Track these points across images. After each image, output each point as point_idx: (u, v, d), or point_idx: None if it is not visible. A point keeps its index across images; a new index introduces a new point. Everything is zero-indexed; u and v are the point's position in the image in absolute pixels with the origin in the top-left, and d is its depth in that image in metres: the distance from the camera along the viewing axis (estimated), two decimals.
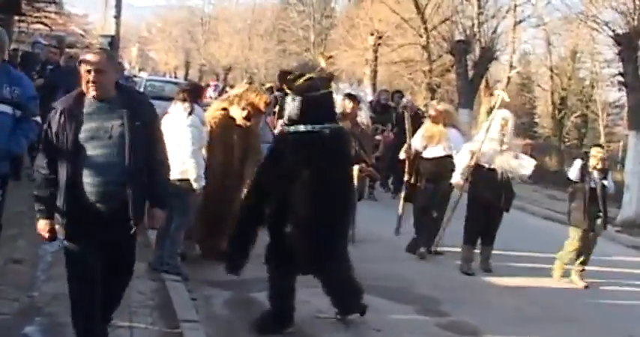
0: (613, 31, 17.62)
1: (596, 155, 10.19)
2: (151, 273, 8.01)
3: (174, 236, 8.16)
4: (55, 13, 26.32)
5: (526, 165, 10.16)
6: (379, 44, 31.89)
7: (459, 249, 10.29)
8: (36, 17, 24.69)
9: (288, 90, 6.90)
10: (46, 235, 5.32)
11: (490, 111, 13.57)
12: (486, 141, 10.04)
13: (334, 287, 6.98)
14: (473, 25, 27.15)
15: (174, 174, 7.94)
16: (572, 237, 10.20)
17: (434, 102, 12.11)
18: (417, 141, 10.74)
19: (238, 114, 8.95)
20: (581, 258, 10.13)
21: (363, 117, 10.91)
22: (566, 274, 10.26)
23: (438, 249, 10.68)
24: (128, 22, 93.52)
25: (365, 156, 10.45)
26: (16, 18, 22.85)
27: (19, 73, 7.15)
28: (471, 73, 26.24)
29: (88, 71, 5.10)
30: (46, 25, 26.35)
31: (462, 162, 10.19)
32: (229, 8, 63.98)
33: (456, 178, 10.25)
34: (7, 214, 9.62)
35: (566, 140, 33.35)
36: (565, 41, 31.85)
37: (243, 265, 6.99)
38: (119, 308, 5.96)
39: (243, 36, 56.48)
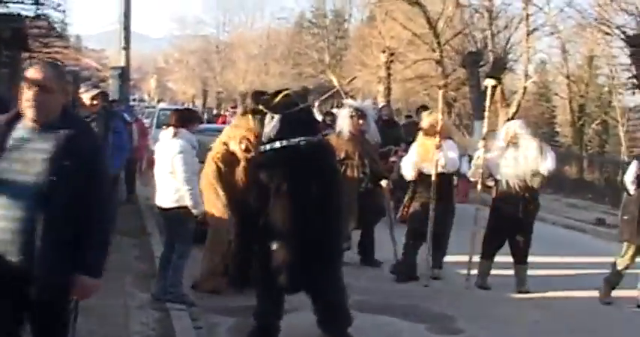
0: (624, 33, 17.36)
1: None
2: (153, 303, 7.83)
3: (176, 264, 7.99)
4: (65, 47, 26.35)
5: (547, 163, 9.45)
6: (391, 61, 31.85)
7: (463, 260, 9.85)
8: (46, 53, 24.73)
9: (266, 110, 6.81)
10: None
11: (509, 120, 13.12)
12: (496, 152, 9.70)
13: (320, 305, 6.76)
14: (485, 36, 27.00)
15: (171, 202, 7.86)
16: (625, 254, 9.28)
17: (425, 112, 11.16)
18: (410, 158, 10.09)
19: (237, 148, 8.70)
20: None
21: (372, 132, 10.71)
22: (590, 284, 9.87)
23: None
24: (146, 54, 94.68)
25: (381, 171, 10.45)
26: (26, 55, 22.95)
27: None
28: (483, 85, 25.99)
29: (29, 88, 4.18)
30: (57, 60, 26.39)
31: (474, 164, 9.90)
32: (244, 34, 64.22)
33: (473, 174, 9.95)
34: None
35: (589, 148, 32.98)
36: (580, 48, 31.63)
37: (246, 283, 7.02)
38: None
39: (258, 61, 56.71)
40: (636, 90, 19.66)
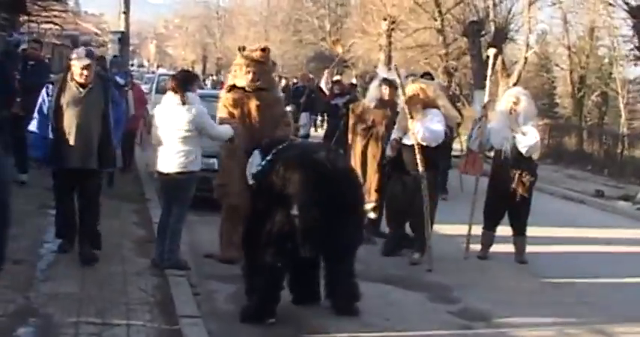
0: (627, 4, 17.21)
1: None
2: (152, 269, 7.80)
3: (174, 229, 7.94)
4: (64, 11, 26.14)
5: (527, 139, 9.33)
6: (392, 29, 31.66)
7: (464, 231, 9.77)
8: (45, 16, 24.53)
9: None
10: None
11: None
12: (496, 121, 9.64)
13: (335, 275, 6.81)
14: (487, 6, 26.83)
15: (176, 167, 7.79)
16: None
17: (409, 79, 10.12)
18: (396, 128, 9.57)
19: (244, 80, 8.54)
20: None
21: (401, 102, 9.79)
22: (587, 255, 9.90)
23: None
24: (145, 19, 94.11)
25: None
26: (25, 18, 22.77)
27: None
28: (485, 55, 25.85)
29: None
30: (56, 24, 26.23)
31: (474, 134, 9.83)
32: (244, 1, 63.89)
33: (473, 143, 9.91)
34: (12, 212, 9.58)
35: (588, 119, 32.84)
36: (582, 19, 31.35)
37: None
38: (116, 306, 5.77)
39: (259, 28, 56.42)
40: (638, 62, 19.52)
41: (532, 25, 27.93)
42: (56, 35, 30.04)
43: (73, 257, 7.87)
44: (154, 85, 24.24)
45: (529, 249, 9.74)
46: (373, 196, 9.91)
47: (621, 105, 28.88)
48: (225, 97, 8.75)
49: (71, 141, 7.75)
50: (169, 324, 6.32)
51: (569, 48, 31.43)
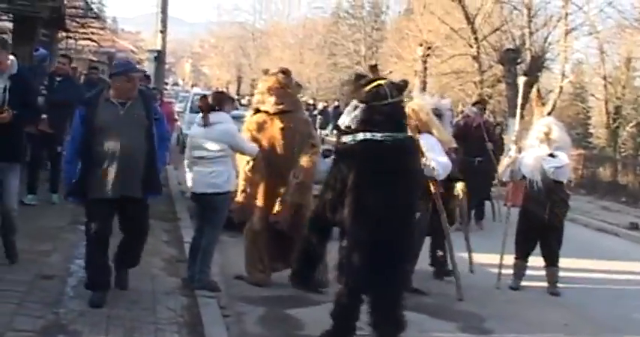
0: None
1: None
2: (182, 289, 7.76)
3: (206, 250, 7.89)
4: (101, 28, 26.43)
5: (555, 161, 9.17)
6: (428, 55, 31.71)
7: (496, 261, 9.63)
8: (82, 33, 24.81)
9: (353, 96, 6.48)
10: None
11: None
12: (527, 150, 9.53)
13: (378, 307, 6.42)
14: (523, 34, 26.76)
15: (208, 188, 7.75)
16: None
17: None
18: None
19: (269, 104, 8.47)
20: None
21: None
22: (615, 293, 9.73)
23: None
24: (182, 38, 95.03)
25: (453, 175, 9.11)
26: (63, 34, 23.03)
27: None
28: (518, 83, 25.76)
29: None
30: (94, 41, 26.51)
31: (505, 164, 9.69)
32: (280, 23, 64.33)
33: (503, 174, 9.75)
34: (44, 228, 9.63)
35: (623, 150, 32.57)
36: (619, 49, 31.17)
37: (310, 279, 6.91)
38: (144, 326, 5.73)
39: (294, 50, 56.78)
40: None
41: (568, 55, 27.85)
42: (93, 52, 30.33)
43: None
44: (189, 104, 24.34)
45: (563, 281, 9.58)
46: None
47: None
48: (248, 122, 8.70)
49: (111, 167, 6.81)
50: None
51: (604, 78, 31.21)
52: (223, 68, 72.36)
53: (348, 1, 52.73)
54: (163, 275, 8.28)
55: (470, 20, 28.12)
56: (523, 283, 9.60)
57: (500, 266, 9.45)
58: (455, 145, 9.47)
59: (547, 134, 9.34)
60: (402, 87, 6.54)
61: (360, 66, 43.26)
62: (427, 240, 9.21)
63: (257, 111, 8.67)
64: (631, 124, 32.09)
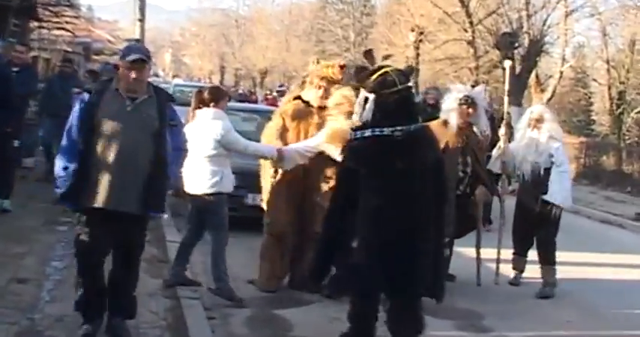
0: None
1: None
2: (165, 291, 7.74)
3: (217, 255, 7.74)
4: (76, 17, 26.27)
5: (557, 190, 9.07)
6: (420, 41, 31.70)
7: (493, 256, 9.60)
8: (56, 23, 24.66)
9: (362, 89, 6.42)
10: None
11: None
12: (516, 136, 9.50)
13: (395, 307, 6.41)
14: (520, 17, 26.78)
15: (204, 188, 7.70)
16: None
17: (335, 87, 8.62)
18: None
19: (313, 94, 8.35)
20: None
21: (482, 124, 9.18)
22: (620, 287, 9.75)
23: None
24: (161, 27, 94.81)
25: (482, 173, 9.05)
26: (36, 24, 22.93)
27: None
28: (518, 68, 25.76)
29: None
30: (68, 30, 26.35)
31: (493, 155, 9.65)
32: (265, 9, 64.21)
33: (493, 165, 9.69)
34: (17, 229, 9.61)
35: (627, 138, 32.62)
36: (622, 31, 31.21)
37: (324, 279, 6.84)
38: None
39: (280, 37, 56.80)
40: None
41: (568, 38, 27.89)
42: (67, 42, 30.18)
43: None
44: None
45: (565, 275, 9.59)
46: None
47: None
48: (285, 107, 8.59)
49: (106, 172, 5.92)
50: None
51: (607, 62, 31.25)
52: (205, 58, 72.18)
53: None
54: (145, 277, 8.19)
55: (464, 3, 28.14)
56: (523, 279, 9.63)
57: (498, 260, 9.45)
58: None
59: (538, 121, 9.29)
60: (408, 73, 6.51)
61: (349, 53, 43.31)
62: None
63: (297, 98, 8.57)
64: (635, 110, 32.10)
